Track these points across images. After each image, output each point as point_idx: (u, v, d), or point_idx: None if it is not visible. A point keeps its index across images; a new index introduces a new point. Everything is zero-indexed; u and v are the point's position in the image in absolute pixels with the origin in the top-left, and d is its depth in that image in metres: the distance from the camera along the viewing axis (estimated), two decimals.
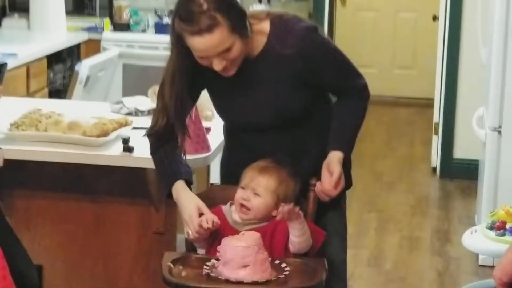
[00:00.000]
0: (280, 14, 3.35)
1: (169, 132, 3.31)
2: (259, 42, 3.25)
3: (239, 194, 3.23)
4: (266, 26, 3.26)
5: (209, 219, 3.14)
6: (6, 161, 3.85)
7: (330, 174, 3.23)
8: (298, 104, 3.31)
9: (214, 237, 3.18)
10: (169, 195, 3.30)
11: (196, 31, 3.06)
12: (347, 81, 3.38)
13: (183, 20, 3.09)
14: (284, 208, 3.07)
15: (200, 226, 3.12)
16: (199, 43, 3.09)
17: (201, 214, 3.16)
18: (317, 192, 3.25)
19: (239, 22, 3.12)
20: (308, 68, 3.26)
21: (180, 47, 3.18)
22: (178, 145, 3.32)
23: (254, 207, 3.21)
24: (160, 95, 3.31)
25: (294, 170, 3.27)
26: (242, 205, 3.22)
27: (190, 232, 3.16)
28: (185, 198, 3.24)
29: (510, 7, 5.40)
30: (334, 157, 3.27)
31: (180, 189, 3.26)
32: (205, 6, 3.04)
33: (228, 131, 3.57)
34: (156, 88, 4.46)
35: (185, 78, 3.23)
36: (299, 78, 3.27)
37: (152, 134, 3.37)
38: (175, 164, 3.32)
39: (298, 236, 3.15)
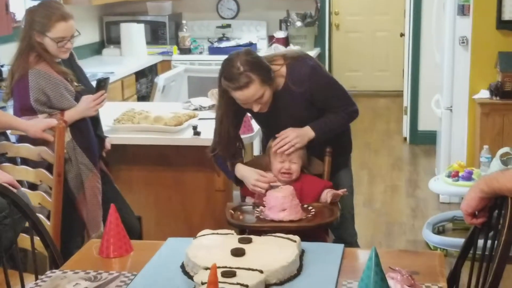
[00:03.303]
0: (293, 57, 3.25)
1: None
2: (279, 82, 3.18)
3: (279, 166, 3.19)
4: (283, 70, 3.19)
5: (270, 176, 3.16)
6: (113, 146, 3.85)
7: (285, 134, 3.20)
8: (309, 119, 3.25)
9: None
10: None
11: (237, 87, 3.03)
12: (343, 105, 3.30)
13: (227, 79, 3.04)
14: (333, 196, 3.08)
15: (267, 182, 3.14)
16: (240, 95, 3.06)
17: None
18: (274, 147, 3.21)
19: (266, 76, 3.07)
20: (314, 96, 3.21)
21: (227, 98, 3.14)
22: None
23: (295, 171, 3.19)
24: (216, 132, 3.28)
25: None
26: (284, 173, 3.18)
27: (260, 187, 3.13)
28: (247, 171, 3.21)
29: (456, 24, 5.34)
30: (304, 128, 3.22)
31: (240, 168, 3.24)
32: (241, 69, 3.01)
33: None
34: (213, 91, 4.47)
35: (230, 118, 3.20)
36: (308, 103, 3.22)
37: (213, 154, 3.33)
38: (230, 159, 3.29)
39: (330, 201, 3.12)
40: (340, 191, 3.13)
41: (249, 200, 3.25)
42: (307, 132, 3.22)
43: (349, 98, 3.33)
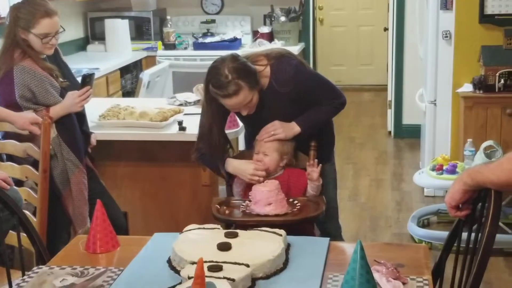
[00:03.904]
0: (276, 57, 3.23)
1: None
2: (264, 83, 3.17)
3: (254, 157, 3.21)
4: (267, 70, 3.18)
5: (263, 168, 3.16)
6: (98, 142, 3.84)
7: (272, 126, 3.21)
8: (293, 115, 3.25)
9: (247, 187, 3.17)
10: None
11: (226, 95, 3.02)
12: (329, 99, 3.30)
13: (215, 87, 3.03)
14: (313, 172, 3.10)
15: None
16: (230, 102, 3.05)
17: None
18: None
19: (254, 81, 3.07)
20: (300, 95, 3.20)
21: (215, 105, 3.12)
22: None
23: (266, 163, 3.18)
24: (201, 140, 3.25)
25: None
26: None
27: (259, 176, 3.12)
28: (241, 164, 3.20)
29: (439, 19, 5.36)
30: (290, 123, 3.22)
31: (232, 162, 3.22)
32: (230, 77, 2.99)
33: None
34: (198, 86, 4.47)
35: (219, 127, 3.20)
36: (293, 102, 3.21)
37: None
38: (218, 155, 3.26)
39: (314, 189, 3.15)
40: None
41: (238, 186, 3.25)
42: (293, 127, 3.22)
43: (336, 91, 3.33)
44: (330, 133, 3.52)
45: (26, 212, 3.02)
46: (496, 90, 4.92)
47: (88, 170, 3.66)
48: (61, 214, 3.55)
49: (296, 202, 3.04)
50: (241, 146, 4.76)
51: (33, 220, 3.15)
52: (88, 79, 3.63)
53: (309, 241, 2.58)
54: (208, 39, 7.12)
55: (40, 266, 2.42)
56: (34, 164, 3.27)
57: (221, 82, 3.00)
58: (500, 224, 4.43)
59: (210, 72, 3.06)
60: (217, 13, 7.59)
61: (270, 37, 7.16)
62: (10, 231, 2.88)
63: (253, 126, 3.39)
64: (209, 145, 3.21)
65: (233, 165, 3.21)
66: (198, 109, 3.50)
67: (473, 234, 2.27)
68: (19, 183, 3.35)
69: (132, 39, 7.12)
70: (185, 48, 7.15)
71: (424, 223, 5.08)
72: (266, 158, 3.18)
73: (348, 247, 2.57)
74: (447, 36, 5.32)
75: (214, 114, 3.16)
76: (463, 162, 4.71)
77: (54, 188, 3.49)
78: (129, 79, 6.71)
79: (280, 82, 3.16)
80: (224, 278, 2.08)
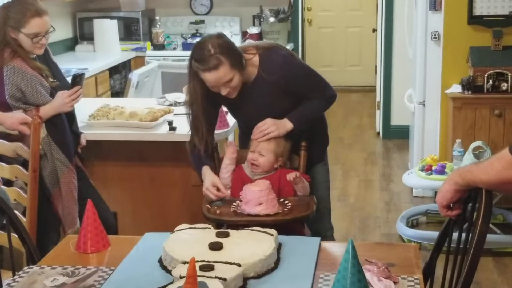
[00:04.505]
0: (265, 47, 3.26)
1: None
2: (252, 72, 3.19)
3: (250, 156, 3.21)
4: (256, 59, 3.20)
5: (217, 194, 3.13)
6: (88, 142, 3.83)
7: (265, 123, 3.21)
8: (283, 109, 3.25)
9: (238, 186, 3.16)
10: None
11: (206, 69, 3.04)
12: (319, 91, 3.30)
13: (197, 61, 3.06)
14: (292, 176, 3.07)
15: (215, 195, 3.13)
16: (209, 77, 3.06)
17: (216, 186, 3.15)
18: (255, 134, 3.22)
19: (237, 60, 3.08)
20: (289, 85, 3.20)
21: (196, 81, 3.14)
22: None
23: (261, 164, 3.19)
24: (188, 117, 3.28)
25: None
26: (252, 164, 3.20)
27: (211, 195, 3.13)
28: (206, 175, 3.20)
29: (428, 20, 5.38)
30: (282, 120, 3.22)
31: (204, 171, 3.23)
32: (212, 51, 3.02)
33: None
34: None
35: (200, 102, 3.18)
36: (282, 93, 3.22)
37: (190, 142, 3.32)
38: (201, 159, 3.27)
39: (300, 191, 3.15)
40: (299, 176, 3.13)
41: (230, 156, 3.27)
42: (285, 124, 3.22)
43: (325, 83, 3.33)
44: (323, 132, 3.52)
45: (16, 212, 3.00)
46: (485, 91, 4.95)
47: (77, 170, 3.65)
48: (50, 214, 3.54)
49: (287, 202, 3.04)
50: None
51: (23, 220, 3.13)
52: (78, 79, 3.61)
53: (301, 241, 2.59)
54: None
55: (31, 266, 2.41)
56: (24, 164, 3.26)
57: (203, 56, 3.03)
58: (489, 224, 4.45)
59: (194, 47, 3.12)
60: (206, 14, 7.59)
61: (259, 37, 7.16)
62: (0, 231, 2.87)
63: (243, 121, 3.40)
64: (191, 123, 3.24)
65: (203, 173, 3.23)
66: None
67: (463, 234, 2.27)
68: (8, 183, 3.33)
69: (121, 39, 7.12)
70: (174, 49, 7.14)
71: (413, 223, 5.10)
72: (261, 158, 3.18)
73: (339, 247, 2.58)
74: (435, 37, 5.34)
75: (196, 89, 3.17)
76: (451, 163, 4.73)
77: (44, 188, 3.48)
78: (118, 79, 6.70)
79: (268, 71, 3.18)
80: (216, 277, 2.08)
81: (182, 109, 4.27)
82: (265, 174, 3.19)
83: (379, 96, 7.69)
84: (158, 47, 7.14)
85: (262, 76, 3.18)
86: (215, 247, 2.31)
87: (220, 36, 3.13)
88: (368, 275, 2.12)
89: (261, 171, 3.19)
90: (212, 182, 3.15)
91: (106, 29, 6.99)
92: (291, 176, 3.08)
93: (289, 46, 7.25)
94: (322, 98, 3.31)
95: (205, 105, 3.22)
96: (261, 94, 3.21)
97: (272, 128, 3.19)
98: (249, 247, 2.33)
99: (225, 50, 3.05)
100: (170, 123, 3.92)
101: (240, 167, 3.28)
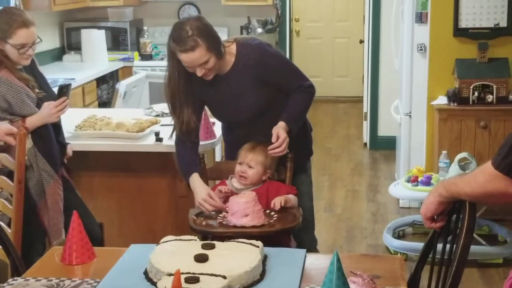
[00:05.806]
0: (243, 38, 3.35)
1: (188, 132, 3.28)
2: (230, 61, 3.25)
3: (238, 168, 3.21)
4: (233, 48, 3.27)
5: (215, 204, 3.12)
6: (74, 152, 3.83)
7: (277, 138, 3.17)
8: (262, 100, 3.28)
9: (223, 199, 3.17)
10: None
11: (183, 50, 3.09)
12: (296, 81, 3.33)
13: (175, 41, 3.11)
14: (277, 205, 3.06)
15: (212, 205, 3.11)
16: (186, 58, 3.11)
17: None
18: (270, 151, 3.16)
19: (213, 44, 3.12)
20: (266, 74, 3.24)
21: (174, 61, 3.18)
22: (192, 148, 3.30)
23: (250, 176, 3.19)
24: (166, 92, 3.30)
25: None
26: (240, 176, 3.20)
27: (205, 208, 3.12)
28: (199, 186, 3.19)
29: (414, 32, 5.41)
30: (281, 125, 3.21)
31: (194, 180, 3.22)
32: (190, 33, 3.08)
33: (225, 127, 3.56)
34: None
35: (177, 81, 3.21)
36: (260, 81, 3.25)
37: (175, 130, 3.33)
38: (190, 163, 3.28)
39: (288, 204, 3.12)
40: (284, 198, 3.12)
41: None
42: (284, 128, 3.22)
43: (301, 74, 3.38)
44: (305, 143, 3.53)
45: (1, 223, 3.00)
46: (470, 103, 4.97)
47: (63, 181, 3.64)
48: (36, 225, 3.52)
49: (273, 213, 3.04)
50: (218, 157, 4.77)
51: (8, 231, 3.12)
52: (64, 89, 3.61)
53: (286, 253, 2.59)
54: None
55: (16, 278, 2.40)
56: (9, 175, 3.25)
57: (181, 37, 3.08)
58: (474, 235, 4.47)
59: (173, 27, 3.17)
60: None
61: None
62: None
63: (224, 115, 3.41)
64: (172, 106, 3.28)
65: (193, 181, 3.22)
66: None
67: (448, 246, 2.28)
68: None
69: (109, 49, 7.12)
70: (162, 59, 7.14)
71: (399, 234, 5.11)
72: (250, 170, 3.19)
73: (325, 259, 2.58)
74: (422, 49, 5.37)
75: (173, 68, 3.20)
76: (438, 174, 4.74)
77: (29, 199, 3.46)
78: (105, 89, 6.69)
79: (245, 58, 3.23)
80: None
81: (169, 120, 4.28)
82: (253, 186, 3.19)
83: (366, 107, 7.72)
84: (145, 57, 7.15)
85: (239, 63, 3.23)
86: (201, 259, 2.31)
87: (199, 18, 3.20)
88: (353, 287, 2.13)
89: (249, 183, 3.19)
90: (208, 194, 3.14)
91: (94, 39, 6.99)
92: (277, 204, 3.06)
93: None
94: (301, 90, 3.33)
95: (183, 84, 3.24)
96: (238, 84, 3.25)
97: (285, 144, 3.17)
98: (235, 258, 2.33)
99: (203, 32, 3.10)
100: (157, 134, 3.92)
101: (223, 182, 3.28)
